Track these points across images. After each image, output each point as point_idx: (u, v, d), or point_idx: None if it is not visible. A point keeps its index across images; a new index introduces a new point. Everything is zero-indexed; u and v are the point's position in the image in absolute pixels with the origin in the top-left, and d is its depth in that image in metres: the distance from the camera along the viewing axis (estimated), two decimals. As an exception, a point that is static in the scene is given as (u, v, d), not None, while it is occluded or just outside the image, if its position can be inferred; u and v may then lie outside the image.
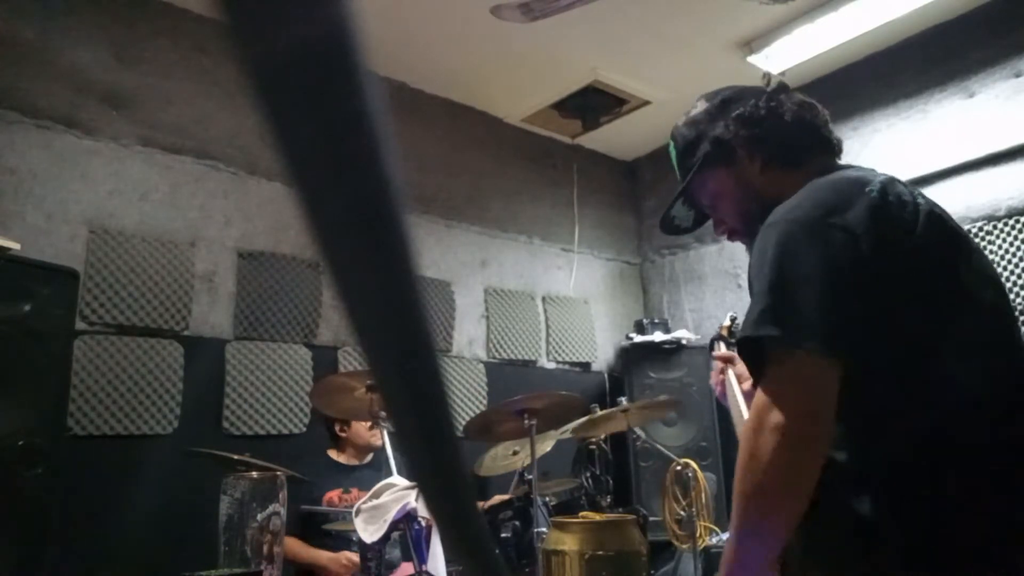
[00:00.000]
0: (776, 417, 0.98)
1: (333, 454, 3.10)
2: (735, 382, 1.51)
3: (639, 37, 3.81)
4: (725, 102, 1.36)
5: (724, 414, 4.28)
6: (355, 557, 2.64)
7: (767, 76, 1.43)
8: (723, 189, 1.36)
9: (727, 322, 1.88)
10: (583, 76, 4.10)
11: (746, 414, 1.33)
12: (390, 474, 2.49)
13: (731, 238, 1.40)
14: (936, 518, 0.98)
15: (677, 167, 1.44)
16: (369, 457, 3.10)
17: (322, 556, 2.77)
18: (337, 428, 3.09)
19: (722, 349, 1.77)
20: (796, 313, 1.01)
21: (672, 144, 1.45)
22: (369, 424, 2.99)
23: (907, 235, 1.06)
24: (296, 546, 2.77)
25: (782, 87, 1.36)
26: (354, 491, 2.92)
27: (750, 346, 1.05)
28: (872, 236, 1.03)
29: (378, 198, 0.23)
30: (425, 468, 0.31)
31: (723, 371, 1.59)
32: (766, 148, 1.29)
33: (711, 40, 3.86)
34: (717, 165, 1.34)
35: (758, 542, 1.02)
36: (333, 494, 2.93)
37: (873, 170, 1.20)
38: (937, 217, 1.10)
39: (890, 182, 1.12)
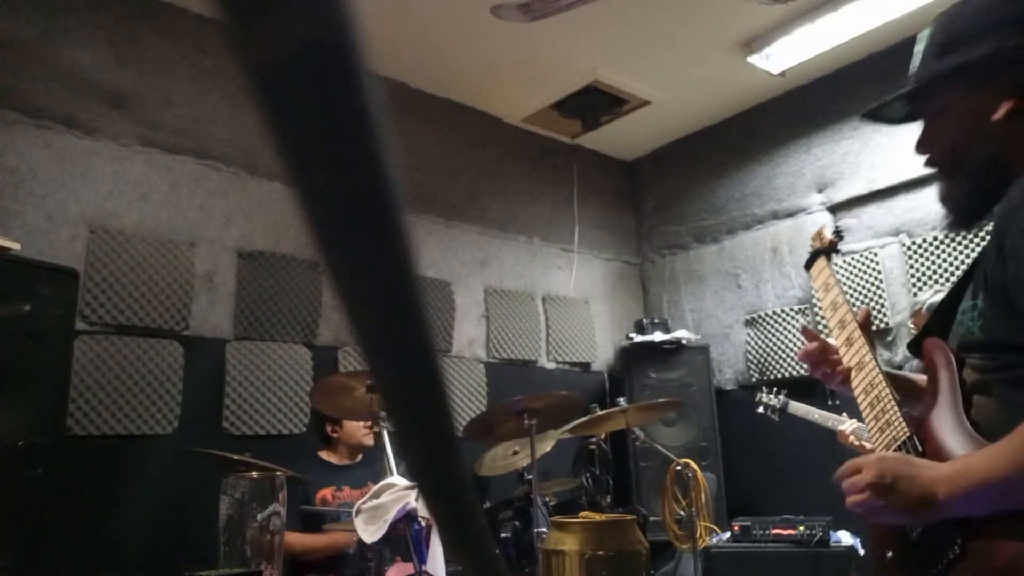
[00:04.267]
0: None
1: (324, 455, 3.10)
2: (869, 347, 1.26)
3: (639, 37, 3.81)
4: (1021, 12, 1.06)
5: (724, 414, 4.29)
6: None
7: None
8: (950, 113, 1.13)
9: (828, 232, 1.54)
10: (583, 76, 4.10)
11: (894, 393, 1.16)
12: (383, 472, 2.50)
13: (927, 164, 1.18)
14: None
15: (921, 52, 1.19)
16: (359, 457, 3.11)
17: (336, 537, 2.77)
18: (329, 429, 3.09)
19: (827, 268, 1.48)
20: None
21: (929, 30, 1.19)
22: (362, 423, 3.00)
23: None
24: (303, 538, 2.77)
25: None
26: (346, 489, 2.95)
27: None
28: None
29: (378, 198, 0.23)
30: (425, 469, 0.31)
31: (836, 340, 1.34)
32: None
33: (711, 40, 3.86)
34: (963, 83, 1.10)
35: None
36: (326, 492, 2.94)
37: None
38: None
39: None
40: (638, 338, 4.41)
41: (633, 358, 4.40)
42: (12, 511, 2.07)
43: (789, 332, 4.26)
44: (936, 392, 1.10)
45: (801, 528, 3.09)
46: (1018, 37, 1.03)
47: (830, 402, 3.29)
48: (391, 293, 0.25)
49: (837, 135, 4.15)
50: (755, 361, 4.40)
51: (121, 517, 2.82)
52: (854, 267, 3.98)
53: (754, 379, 4.29)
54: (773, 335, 4.33)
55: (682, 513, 2.90)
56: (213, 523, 2.22)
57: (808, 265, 1.56)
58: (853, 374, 1.27)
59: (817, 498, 3.48)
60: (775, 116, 4.44)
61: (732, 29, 3.78)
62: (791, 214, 4.36)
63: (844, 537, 3.12)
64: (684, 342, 4.36)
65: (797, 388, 3.54)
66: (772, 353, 4.31)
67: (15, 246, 2.33)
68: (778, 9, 3.58)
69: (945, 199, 1.15)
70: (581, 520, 2.23)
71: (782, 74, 4.09)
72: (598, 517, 2.32)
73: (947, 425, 1.06)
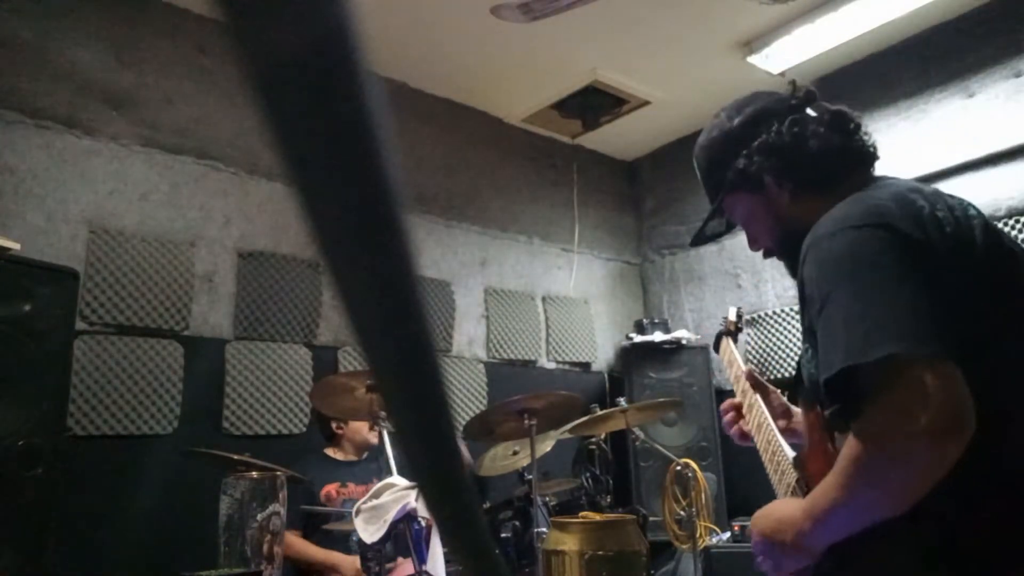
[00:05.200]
0: (922, 428, 0.88)
1: (330, 451, 3.11)
2: (766, 410, 1.41)
3: (639, 37, 3.80)
4: (747, 124, 1.29)
5: (724, 414, 4.29)
6: None
7: (792, 83, 1.34)
8: (752, 214, 1.34)
9: (732, 316, 1.78)
10: (583, 76, 4.10)
11: (785, 446, 1.28)
12: (387, 471, 2.50)
13: (766, 256, 1.38)
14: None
15: (703, 184, 1.40)
16: (365, 454, 3.12)
17: (334, 556, 2.78)
18: (334, 426, 3.10)
19: (731, 347, 1.69)
20: (907, 322, 0.91)
21: (695, 163, 1.41)
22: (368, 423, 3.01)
23: (963, 245, 1.01)
24: (303, 545, 2.78)
25: (808, 97, 1.28)
26: (350, 485, 2.95)
27: (851, 375, 0.93)
28: (929, 244, 0.99)
29: (378, 198, 0.23)
30: (425, 469, 0.31)
31: (742, 407, 1.52)
32: (793, 177, 1.24)
33: (711, 40, 3.86)
34: (743, 192, 1.31)
35: (866, 511, 0.96)
36: (331, 488, 2.94)
37: (912, 182, 1.16)
38: (993, 231, 1.06)
39: (936, 195, 1.08)
40: (638, 338, 4.41)
41: (633, 358, 4.40)
42: (12, 511, 2.07)
43: (789, 332, 4.26)
44: (809, 435, 1.18)
45: (801, 528, 3.08)
46: (747, 153, 1.27)
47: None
48: (391, 293, 0.25)
49: (837, 135, 4.14)
50: (755, 361, 4.40)
51: (121, 517, 2.81)
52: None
53: (754, 379, 4.29)
54: (773, 335, 4.33)
55: (682, 513, 2.90)
56: (213, 523, 2.22)
57: (715, 346, 1.79)
58: (756, 436, 1.43)
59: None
60: (775, 116, 4.44)
61: (732, 29, 3.78)
62: (791, 214, 4.36)
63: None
64: (684, 342, 4.36)
65: (797, 388, 3.54)
66: (772, 353, 4.31)
67: (15, 246, 2.33)
68: (778, 9, 3.58)
69: (792, 275, 1.30)
70: (581, 520, 2.23)
71: (782, 74, 4.08)
72: (598, 517, 2.32)
73: (814, 461, 1.14)
